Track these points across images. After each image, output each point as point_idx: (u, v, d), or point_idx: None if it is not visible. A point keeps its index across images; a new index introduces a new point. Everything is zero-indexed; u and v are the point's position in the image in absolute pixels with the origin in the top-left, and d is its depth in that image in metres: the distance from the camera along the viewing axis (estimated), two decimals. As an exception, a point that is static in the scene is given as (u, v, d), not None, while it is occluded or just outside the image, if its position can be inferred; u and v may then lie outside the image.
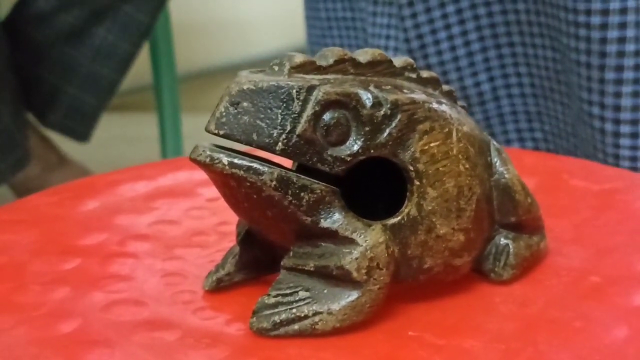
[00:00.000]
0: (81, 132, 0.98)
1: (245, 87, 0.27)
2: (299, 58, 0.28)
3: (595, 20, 0.54)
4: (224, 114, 0.27)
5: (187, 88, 1.51)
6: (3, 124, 0.86)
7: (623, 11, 0.54)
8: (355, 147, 0.27)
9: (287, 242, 0.29)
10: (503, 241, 0.31)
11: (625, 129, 0.56)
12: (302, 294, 0.28)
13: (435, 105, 0.29)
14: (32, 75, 0.93)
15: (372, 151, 0.28)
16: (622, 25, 0.54)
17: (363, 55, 0.30)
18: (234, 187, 0.27)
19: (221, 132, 0.27)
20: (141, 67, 1.07)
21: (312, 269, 0.28)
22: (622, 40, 0.54)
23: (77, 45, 0.92)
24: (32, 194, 0.43)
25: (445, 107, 0.30)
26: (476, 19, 0.62)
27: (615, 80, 0.55)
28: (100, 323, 0.29)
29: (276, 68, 0.28)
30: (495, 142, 0.32)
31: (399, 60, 0.31)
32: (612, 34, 0.54)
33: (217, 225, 0.38)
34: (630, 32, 0.54)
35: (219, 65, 1.75)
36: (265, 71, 0.29)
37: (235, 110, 0.27)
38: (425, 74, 0.31)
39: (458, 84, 0.65)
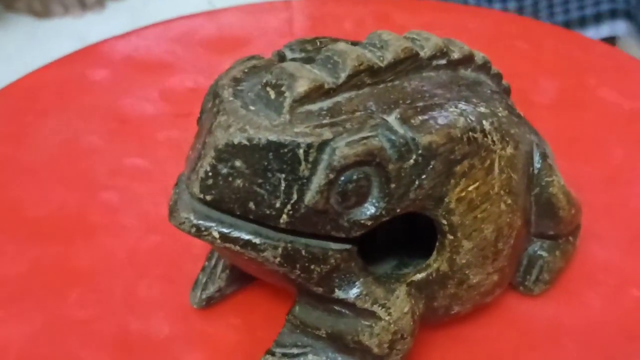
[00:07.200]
0: None
1: (236, 140, 0.21)
2: (302, 86, 0.21)
3: None
4: (211, 174, 0.21)
5: None
6: None
7: None
8: (378, 210, 0.22)
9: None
10: (537, 252, 0.27)
11: None
12: (312, 358, 0.24)
13: (475, 126, 0.23)
14: None
15: (397, 210, 0.22)
16: None
17: (385, 53, 0.23)
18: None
19: (208, 198, 0.21)
20: None
21: (323, 335, 0.24)
22: None
23: None
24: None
25: (487, 124, 0.23)
26: None
27: None
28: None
29: (272, 94, 0.21)
30: (540, 144, 0.26)
31: (428, 50, 0.24)
32: None
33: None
34: None
35: None
36: (261, 74, 0.22)
37: (226, 171, 0.21)
38: (455, 54, 0.25)
39: None
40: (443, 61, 0.24)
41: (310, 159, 0.21)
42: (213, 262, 0.28)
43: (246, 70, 0.23)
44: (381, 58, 0.23)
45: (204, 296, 0.27)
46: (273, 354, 0.24)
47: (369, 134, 0.21)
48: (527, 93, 0.37)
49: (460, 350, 0.26)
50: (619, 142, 0.34)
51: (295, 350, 0.24)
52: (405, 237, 0.25)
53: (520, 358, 0.26)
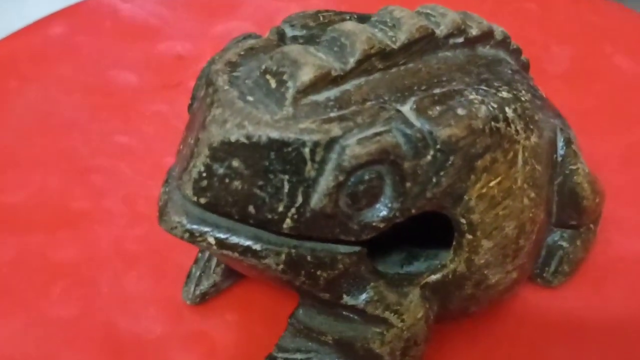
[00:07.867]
0: None
1: (233, 138, 0.18)
2: (307, 74, 0.19)
3: None
4: (205, 175, 0.19)
5: None
6: None
7: None
8: (391, 211, 0.19)
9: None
10: (557, 243, 0.25)
11: None
12: (317, 365, 0.22)
13: (498, 114, 0.21)
14: None
15: (413, 211, 0.20)
16: None
17: (398, 33, 0.20)
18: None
19: (203, 201, 0.19)
20: None
21: (330, 341, 0.22)
22: None
23: None
24: None
25: (510, 111, 0.21)
26: None
27: None
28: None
29: (273, 83, 0.19)
30: (564, 128, 0.24)
31: (444, 27, 0.21)
32: None
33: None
34: None
35: None
36: (259, 57, 0.20)
37: (222, 171, 0.19)
38: (474, 30, 0.22)
39: None
40: (460, 39, 0.22)
41: (317, 158, 0.18)
42: (207, 254, 0.26)
43: (242, 53, 0.21)
44: (393, 39, 0.20)
45: (197, 292, 0.25)
46: (275, 358, 0.22)
47: (382, 129, 0.19)
48: (538, 61, 0.34)
49: (475, 345, 0.24)
50: (637, 116, 0.32)
51: (299, 356, 0.22)
52: (413, 225, 0.23)
53: (538, 353, 0.24)
